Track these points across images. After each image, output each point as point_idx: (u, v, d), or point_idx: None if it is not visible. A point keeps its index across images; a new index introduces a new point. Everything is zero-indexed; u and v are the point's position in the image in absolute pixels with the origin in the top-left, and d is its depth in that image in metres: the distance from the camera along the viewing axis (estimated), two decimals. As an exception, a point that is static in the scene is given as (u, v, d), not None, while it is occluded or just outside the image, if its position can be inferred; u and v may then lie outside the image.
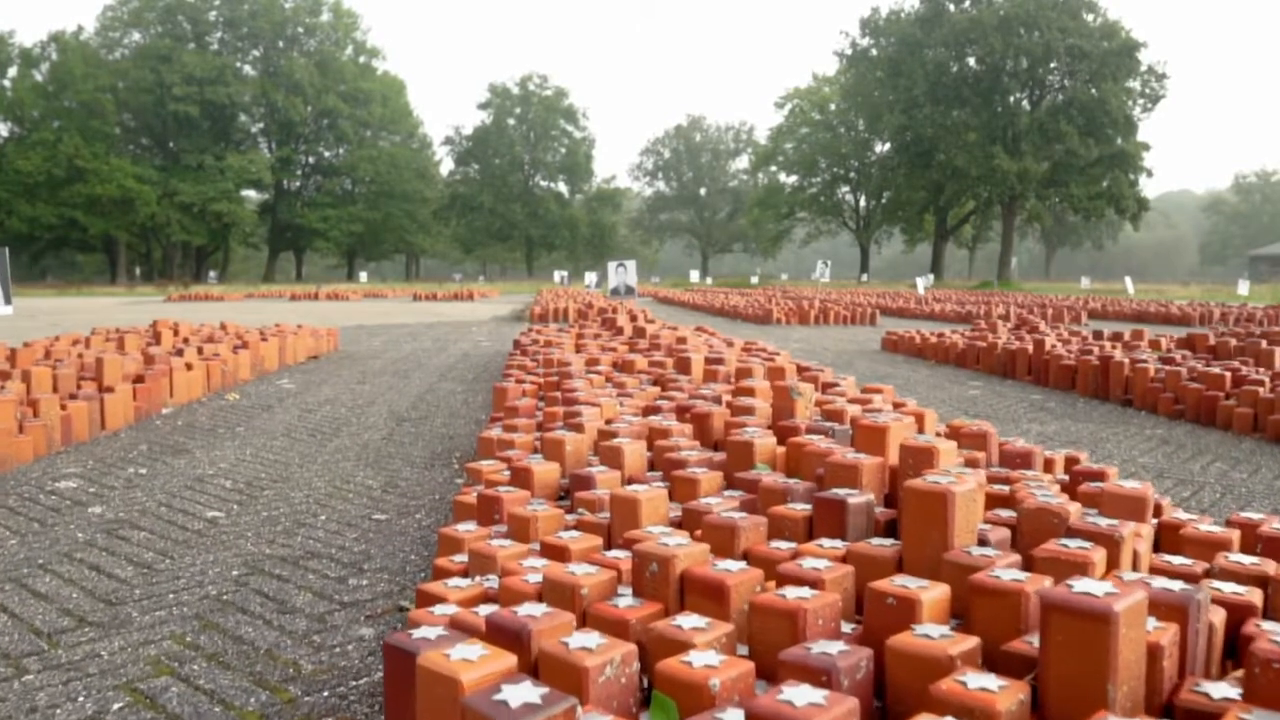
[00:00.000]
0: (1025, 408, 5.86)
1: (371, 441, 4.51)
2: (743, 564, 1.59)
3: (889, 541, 1.74)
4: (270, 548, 2.72)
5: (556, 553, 1.92)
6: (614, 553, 1.82)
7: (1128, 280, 26.07)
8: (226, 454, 4.18)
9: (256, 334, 8.28)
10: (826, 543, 1.79)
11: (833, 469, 2.13)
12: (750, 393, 3.51)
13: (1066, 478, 2.53)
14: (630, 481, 2.53)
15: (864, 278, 49.15)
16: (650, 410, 3.53)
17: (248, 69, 56.93)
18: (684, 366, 4.55)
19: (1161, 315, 16.49)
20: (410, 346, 10.11)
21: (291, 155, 58.15)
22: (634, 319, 9.58)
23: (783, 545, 1.83)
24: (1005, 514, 2.07)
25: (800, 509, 1.99)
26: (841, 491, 1.95)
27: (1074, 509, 1.87)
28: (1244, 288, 26.01)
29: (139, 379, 5.26)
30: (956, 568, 1.54)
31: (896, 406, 3.69)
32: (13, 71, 50.42)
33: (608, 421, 3.20)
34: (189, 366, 5.91)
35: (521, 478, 2.47)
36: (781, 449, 2.59)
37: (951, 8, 46.73)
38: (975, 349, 8.03)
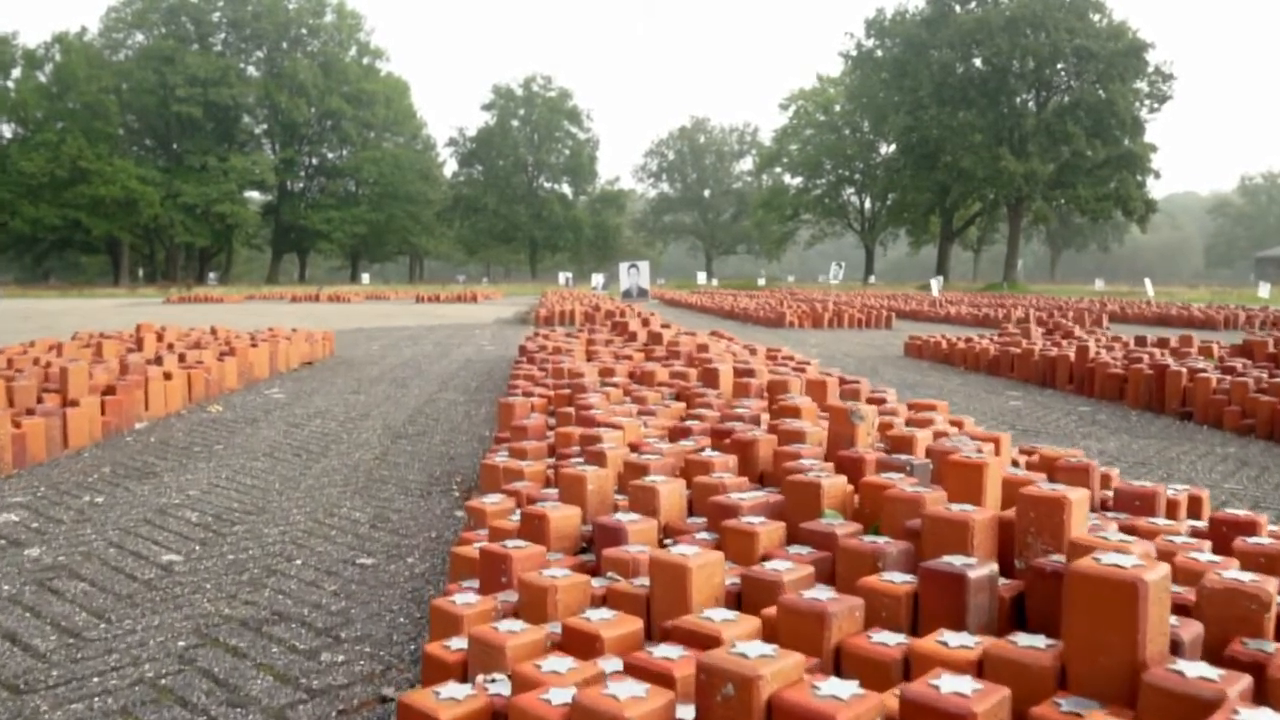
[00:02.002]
0: (1075, 421, 5.39)
1: (362, 462, 4.05)
2: (854, 686, 1.13)
3: (1041, 641, 1.28)
4: (230, 606, 2.26)
5: (584, 643, 1.46)
6: (662, 650, 1.35)
7: (1147, 283, 25.44)
8: (199, 478, 3.72)
9: (246, 339, 7.82)
10: (951, 638, 1.32)
11: (934, 524, 1.67)
12: (794, 413, 3.05)
13: (1203, 525, 2.06)
14: (668, 532, 2.07)
15: (870, 279, 48.61)
16: (678, 433, 3.06)
17: (251, 70, 56.47)
18: (710, 379, 4.08)
19: (1184, 318, 15.98)
20: (410, 351, 9.66)
21: (295, 156, 57.67)
22: (646, 323, 9.12)
23: (888, 640, 1.37)
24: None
25: (901, 582, 1.53)
26: (957, 561, 1.49)
27: (1271, 586, 1.41)
28: (1264, 290, 25.40)
29: (110, 390, 4.80)
30: (1168, 698, 1.07)
31: (956, 427, 3.23)
32: (16, 73, 50.00)
33: (632, 448, 2.74)
34: (168, 376, 5.46)
35: (534, 527, 2.01)
36: (850, 487, 2.13)
37: (957, 8, 46.15)
38: (1009, 355, 7.55)
